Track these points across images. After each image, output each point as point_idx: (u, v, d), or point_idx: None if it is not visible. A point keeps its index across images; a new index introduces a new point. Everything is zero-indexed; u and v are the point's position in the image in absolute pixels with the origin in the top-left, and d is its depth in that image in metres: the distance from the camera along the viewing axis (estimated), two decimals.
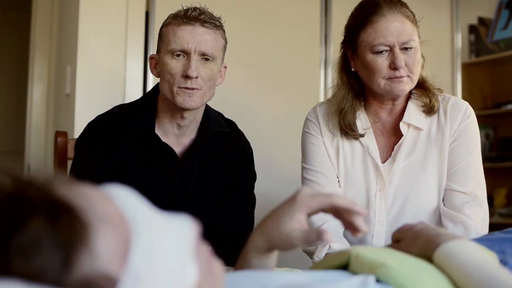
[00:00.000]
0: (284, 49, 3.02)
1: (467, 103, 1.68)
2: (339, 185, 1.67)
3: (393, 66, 1.55)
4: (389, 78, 1.58)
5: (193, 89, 1.60)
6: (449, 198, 1.61)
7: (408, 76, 1.58)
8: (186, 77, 1.59)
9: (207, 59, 1.62)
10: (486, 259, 0.83)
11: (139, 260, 0.53)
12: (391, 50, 1.56)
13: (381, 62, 1.57)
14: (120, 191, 0.60)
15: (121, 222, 0.55)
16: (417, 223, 1.01)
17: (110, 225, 0.54)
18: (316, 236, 0.86)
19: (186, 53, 1.60)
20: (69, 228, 0.50)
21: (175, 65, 1.60)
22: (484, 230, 1.59)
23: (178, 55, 1.61)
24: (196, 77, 1.59)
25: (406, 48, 1.56)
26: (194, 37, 1.60)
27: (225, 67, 1.73)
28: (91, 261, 0.51)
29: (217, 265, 0.63)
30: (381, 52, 1.56)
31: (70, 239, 0.50)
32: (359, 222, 0.88)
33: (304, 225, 0.89)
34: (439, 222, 1.60)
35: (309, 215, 0.90)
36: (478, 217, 1.58)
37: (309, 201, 0.89)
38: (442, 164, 1.62)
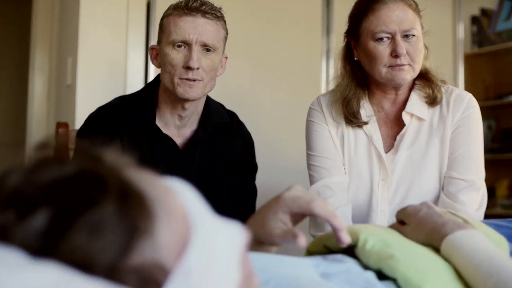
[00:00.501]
0: (286, 39, 3.00)
1: (471, 94, 1.68)
2: (345, 173, 1.68)
3: (394, 54, 1.56)
4: (390, 66, 1.58)
5: (194, 80, 1.60)
6: (446, 185, 1.62)
7: (409, 64, 1.58)
8: (188, 68, 1.59)
9: (208, 50, 1.62)
10: (494, 250, 0.82)
11: (194, 257, 0.53)
12: (393, 37, 1.57)
13: (383, 49, 1.57)
14: (181, 186, 0.60)
15: (183, 217, 0.55)
16: (422, 206, 1.00)
17: (174, 218, 0.54)
18: (291, 238, 0.85)
19: (187, 44, 1.60)
20: (137, 213, 0.50)
21: (176, 56, 1.60)
22: (478, 215, 1.59)
23: (179, 46, 1.60)
24: (198, 68, 1.59)
25: (407, 36, 1.57)
26: (195, 28, 1.59)
27: (226, 57, 1.73)
28: (150, 250, 0.51)
29: (255, 279, 0.63)
30: (382, 39, 1.57)
31: (136, 225, 0.50)
32: (340, 234, 0.85)
33: (287, 223, 0.89)
34: None
35: (292, 215, 0.90)
36: (474, 202, 1.59)
37: (290, 204, 0.88)
38: (443, 154, 1.63)
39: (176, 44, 1.60)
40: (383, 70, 1.59)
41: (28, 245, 0.47)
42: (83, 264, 0.47)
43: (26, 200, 0.49)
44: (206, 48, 1.61)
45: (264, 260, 0.79)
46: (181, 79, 1.59)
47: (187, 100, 1.62)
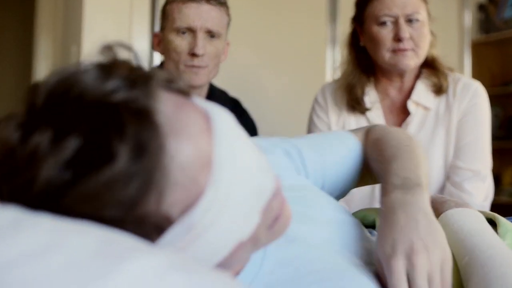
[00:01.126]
0: (291, 26, 2.99)
1: (479, 83, 1.66)
2: None
3: (397, 38, 1.56)
4: (394, 51, 1.58)
5: (199, 66, 1.59)
6: (451, 174, 1.60)
7: (413, 50, 1.57)
8: (193, 55, 1.58)
9: (212, 36, 1.61)
10: (481, 227, 0.80)
11: (206, 207, 0.55)
12: (396, 22, 1.57)
13: (386, 33, 1.58)
14: (221, 119, 0.60)
15: (203, 168, 0.55)
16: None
17: (189, 175, 0.54)
18: None
19: (191, 31, 1.59)
20: (150, 168, 0.50)
21: (180, 42, 1.59)
22: (485, 206, 1.58)
23: (183, 33, 1.59)
24: (203, 55, 1.58)
25: (411, 21, 1.57)
26: (200, 14, 1.58)
27: (228, 44, 1.72)
28: (157, 205, 0.52)
29: (282, 222, 0.64)
30: (385, 23, 1.57)
31: (147, 180, 0.50)
32: None
33: None
34: None
35: None
36: (480, 192, 1.58)
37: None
38: (448, 144, 1.61)
39: (180, 31, 1.59)
40: (387, 55, 1.59)
41: (53, 177, 0.49)
42: (91, 214, 0.49)
43: (63, 122, 0.50)
44: (211, 34, 1.60)
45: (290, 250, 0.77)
46: (186, 66, 1.59)
47: (192, 87, 1.61)
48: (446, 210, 0.87)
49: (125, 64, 0.57)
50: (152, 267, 0.43)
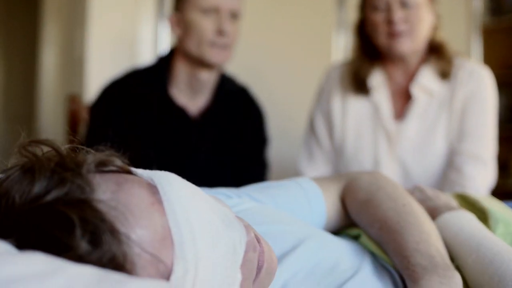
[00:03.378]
0: (299, 10, 2.97)
1: (485, 68, 1.64)
2: (348, 147, 1.69)
3: (387, 20, 1.57)
4: (389, 36, 1.58)
5: (225, 45, 1.64)
6: (453, 157, 1.59)
7: (408, 33, 1.57)
8: (219, 33, 1.62)
9: (234, 17, 1.66)
10: (478, 228, 0.82)
11: (180, 282, 0.53)
12: (388, 5, 1.57)
13: (379, 17, 1.58)
14: (169, 185, 0.57)
15: (163, 241, 0.53)
16: (414, 190, 0.99)
17: (150, 255, 0.52)
18: None
19: (216, 10, 1.62)
20: (109, 257, 0.50)
21: (206, 22, 1.62)
22: (484, 192, 1.57)
23: (207, 12, 1.62)
24: (228, 33, 1.63)
25: (405, 4, 1.56)
26: None
27: None
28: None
29: (267, 269, 0.61)
30: (378, 8, 1.58)
31: (111, 267, 0.50)
32: None
33: None
34: (444, 186, 1.58)
35: None
36: (481, 177, 1.56)
37: None
38: (451, 129, 1.60)
39: (205, 10, 1.62)
40: (383, 40, 1.60)
41: None
42: None
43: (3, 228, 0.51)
44: (233, 14, 1.65)
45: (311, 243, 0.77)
46: (212, 44, 1.62)
47: (212, 65, 1.65)
48: (440, 214, 0.87)
49: (50, 159, 0.54)
50: None
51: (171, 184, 0.56)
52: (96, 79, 2.38)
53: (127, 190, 0.54)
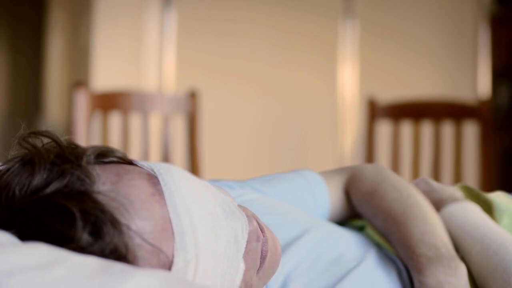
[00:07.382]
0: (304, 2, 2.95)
1: None
2: None
3: None
4: None
5: None
6: None
7: None
8: None
9: None
10: (482, 219, 0.82)
11: (182, 272, 0.53)
12: None
13: None
14: (170, 176, 0.57)
15: (164, 233, 0.53)
16: (419, 182, 0.98)
17: (151, 247, 0.52)
18: None
19: None
20: (111, 249, 0.50)
21: None
22: None
23: None
24: None
25: None
26: None
27: None
28: None
29: (271, 259, 0.61)
30: None
31: (113, 258, 0.50)
32: None
33: None
34: None
35: None
36: None
37: None
38: None
39: None
40: None
41: None
42: None
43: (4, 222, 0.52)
44: None
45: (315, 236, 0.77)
46: None
47: None
48: (444, 205, 0.87)
49: (50, 151, 0.54)
50: (156, 283, 0.44)
51: (171, 175, 0.57)
52: (103, 68, 2.38)
53: (127, 181, 0.54)
